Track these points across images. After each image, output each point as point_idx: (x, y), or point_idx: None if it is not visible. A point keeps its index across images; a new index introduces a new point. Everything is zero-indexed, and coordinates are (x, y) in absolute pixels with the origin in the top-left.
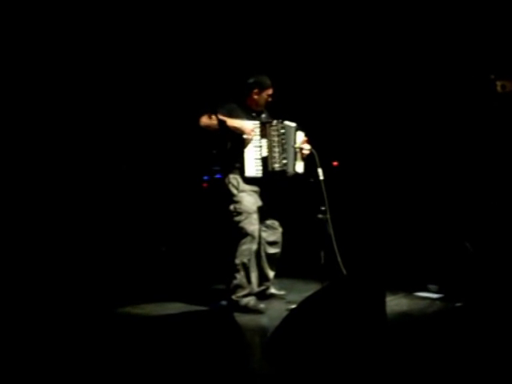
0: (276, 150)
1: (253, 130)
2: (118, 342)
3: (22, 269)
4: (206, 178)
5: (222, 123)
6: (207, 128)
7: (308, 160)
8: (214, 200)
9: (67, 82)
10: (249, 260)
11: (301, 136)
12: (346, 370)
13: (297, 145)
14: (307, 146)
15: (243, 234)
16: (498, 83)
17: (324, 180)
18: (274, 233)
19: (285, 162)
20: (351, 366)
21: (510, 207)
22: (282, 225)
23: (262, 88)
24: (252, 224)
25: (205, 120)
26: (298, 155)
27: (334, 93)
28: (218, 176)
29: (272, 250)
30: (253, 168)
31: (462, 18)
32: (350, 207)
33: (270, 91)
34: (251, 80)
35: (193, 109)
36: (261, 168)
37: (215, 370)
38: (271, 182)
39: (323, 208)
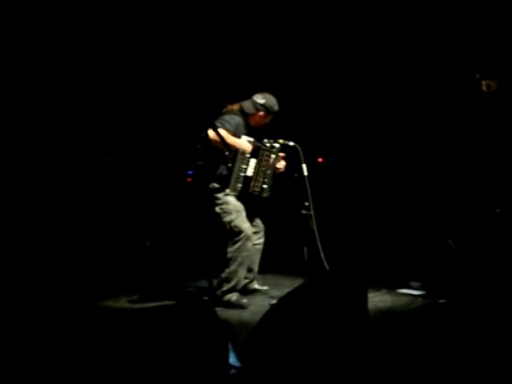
0: (261, 174)
1: (248, 150)
2: (98, 335)
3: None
4: (190, 172)
5: (223, 139)
6: (212, 141)
7: (292, 156)
8: (198, 195)
9: (54, 76)
10: (243, 256)
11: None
12: (327, 365)
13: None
14: (283, 163)
15: (237, 232)
16: (483, 82)
17: (308, 176)
18: (256, 224)
19: (265, 186)
20: (333, 360)
21: (492, 205)
22: (265, 220)
23: (269, 113)
24: (244, 221)
25: (212, 135)
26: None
27: (319, 89)
28: (189, 172)
29: (256, 241)
30: (234, 184)
31: (448, 18)
32: (333, 203)
33: (272, 116)
34: (261, 101)
35: (179, 104)
36: (241, 186)
37: (196, 364)
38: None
39: (307, 204)
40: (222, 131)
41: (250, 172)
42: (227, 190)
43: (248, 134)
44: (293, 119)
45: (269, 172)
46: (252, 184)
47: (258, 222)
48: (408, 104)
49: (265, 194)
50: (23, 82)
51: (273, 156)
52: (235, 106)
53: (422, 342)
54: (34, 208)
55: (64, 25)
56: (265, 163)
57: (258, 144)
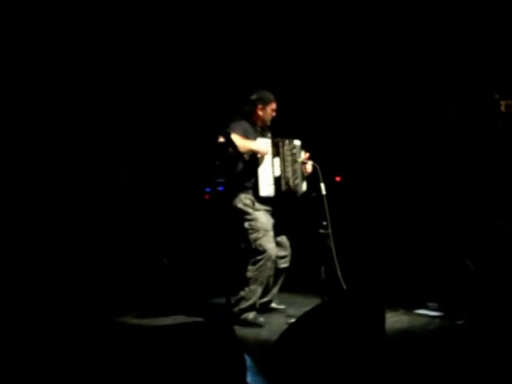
0: (289, 169)
1: (267, 151)
2: (115, 351)
3: (24, 277)
4: (208, 189)
5: (230, 144)
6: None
7: (311, 175)
8: (216, 212)
9: (72, 89)
10: (263, 276)
11: (303, 153)
12: None
13: (300, 159)
14: (310, 162)
15: (261, 251)
16: (502, 103)
17: (326, 195)
18: (284, 249)
19: (297, 181)
20: (350, 381)
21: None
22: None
23: (266, 103)
24: (269, 241)
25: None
26: (303, 174)
27: (337, 108)
28: (220, 188)
29: (282, 265)
30: (266, 188)
31: (467, 38)
32: (351, 223)
33: (273, 105)
34: (254, 96)
35: (197, 122)
36: (273, 187)
37: (213, 382)
38: (281, 201)
39: (325, 223)
40: (234, 137)
41: (277, 172)
42: (262, 194)
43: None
44: (311, 138)
45: (297, 167)
46: (283, 182)
47: (287, 245)
48: (427, 124)
49: (300, 191)
50: (41, 94)
51: (294, 151)
52: (238, 117)
53: (440, 363)
54: (52, 224)
55: (81, 33)
56: (289, 158)
57: (276, 141)
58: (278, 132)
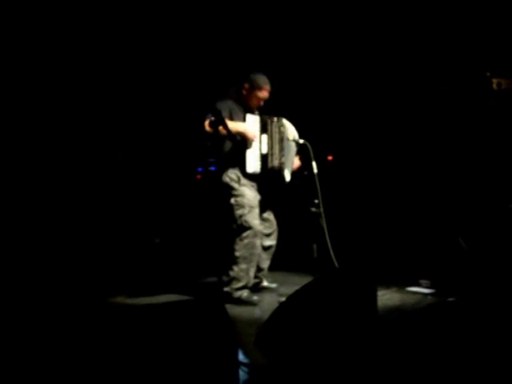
0: (276, 147)
1: (255, 135)
2: (108, 331)
3: (12, 260)
4: (199, 169)
5: (220, 124)
6: (211, 132)
7: (302, 153)
8: (208, 192)
9: (62, 75)
10: (250, 254)
11: (295, 147)
12: (336, 362)
13: (291, 138)
14: (298, 160)
15: (246, 227)
16: (494, 81)
17: (318, 173)
18: (270, 225)
19: (283, 159)
20: (342, 358)
21: (503, 205)
22: (276, 217)
23: (253, 86)
24: (254, 218)
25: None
26: (293, 162)
27: (329, 87)
28: (212, 168)
29: (268, 243)
30: (253, 164)
31: (457, 16)
32: (343, 201)
33: (261, 93)
34: (247, 76)
35: (188, 101)
36: (260, 164)
37: (205, 361)
38: (267, 179)
39: (317, 201)
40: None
41: (264, 149)
42: (248, 170)
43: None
44: (302, 117)
45: (285, 145)
46: (270, 159)
47: (273, 223)
48: (420, 103)
49: (287, 171)
50: (31, 81)
51: (282, 128)
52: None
53: (431, 340)
54: (43, 206)
55: (68, 25)
56: (276, 136)
57: (265, 118)
58: (269, 111)
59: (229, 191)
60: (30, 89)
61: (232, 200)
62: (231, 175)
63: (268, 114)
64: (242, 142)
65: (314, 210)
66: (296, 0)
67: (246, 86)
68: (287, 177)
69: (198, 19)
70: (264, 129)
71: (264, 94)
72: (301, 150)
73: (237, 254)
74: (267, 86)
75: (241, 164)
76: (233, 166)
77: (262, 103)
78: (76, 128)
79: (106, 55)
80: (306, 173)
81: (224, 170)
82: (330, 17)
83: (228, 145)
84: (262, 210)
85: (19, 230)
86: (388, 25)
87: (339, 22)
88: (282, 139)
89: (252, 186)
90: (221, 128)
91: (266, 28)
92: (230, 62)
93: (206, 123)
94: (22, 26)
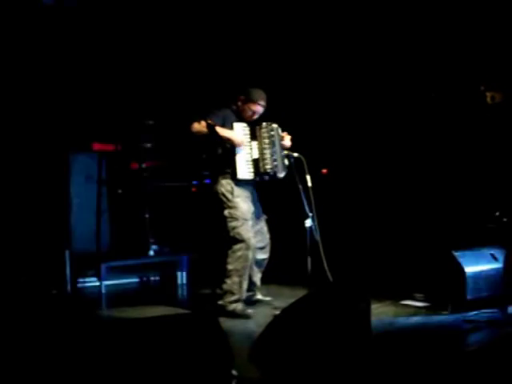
0: (267, 151)
1: (243, 141)
2: (102, 346)
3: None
4: (195, 182)
5: (212, 131)
6: (198, 134)
7: (297, 167)
8: (203, 205)
9: (64, 83)
10: (243, 267)
11: (280, 133)
12: (330, 375)
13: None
14: (287, 138)
15: (238, 239)
16: (488, 94)
17: (312, 187)
18: (263, 239)
19: (276, 163)
20: (335, 371)
21: (496, 216)
22: (269, 231)
23: (248, 99)
24: (247, 231)
25: (196, 126)
26: (283, 155)
27: (323, 100)
28: (207, 181)
29: (261, 256)
30: (245, 170)
31: (452, 31)
32: (337, 215)
33: (254, 107)
34: (244, 88)
35: (184, 114)
36: (252, 170)
37: (199, 374)
38: (261, 184)
39: (311, 215)
40: (209, 122)
41: (255, 154)
42: (239, 176)
43: None
44: (297, 131)
45: (275, 149)
46: (261, 164)
47: (266, 236)
48: (414, 116)
49: (280, 174)
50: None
51: (272, 132)
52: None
53: (425, 353)
54: (41, 211)
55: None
56: (266, 141)
57: (253, 125)
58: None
59: (222, 203)
60: (30, 91)
61: (225, 212)
62: (226, 186)
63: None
64: (233, 147)
65: (308, 223)
66: (290, 12)
67: (242, 97)
68: (286, 163)
69: (193, 30)
70: (253, 135)
71: (258, 108)
72: (295, 164)
73: (229, 267)
74: (262, 102)
75: (232, 172)
76: (225, 174)
77: (255, 117)
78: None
79: (102, 62)
80: (300, 186)
81: (216, 177)
82: (325, 30)
83: (219, 151)
84: (255, 223)
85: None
86: (383, 39)
87: (332, 37)
88: (274, 143)
89: (247, 197)
90: (202, 125)
91: (259, 43)
92: (225, 77)
93: (195, 124)
94: (23, 29)
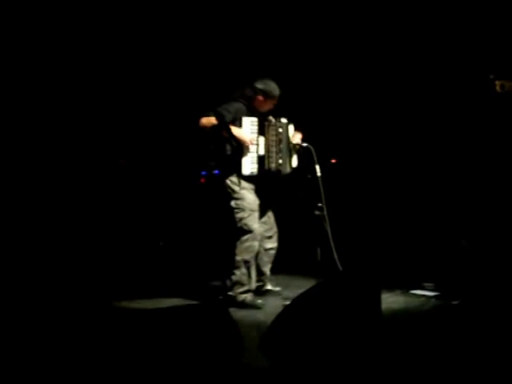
0: (273, 149)
1: (251, 140)
2: (113, 336)
3: (17, 264)
4: (203, 173)
5: (225, 127)
6: (206, 128)
7: (305, 157)
8: (212, 195)
9: (66, 79)
10: (251, 257)
11: (292, 129)
12: (340, 365)
13: (292, 140)
14: (298, 136)
15: (246, 230)
16: (497, 83)
17: (321, 177)
18: (270, 228)
19: (281, 162)
20: (346, 360)
21: (507, 206)
22: (279, 221)
23: (268, 97)
24: (254, 222)
25: (205, 121)
26: (293, 150)
27: (333, 90)
28: (215, 172)
29: (269, 245)
30: (249, 166)
31: (461, 18)
32: (347, 204)
33: (275, 101)
34: (260, 85)
35: (192, 105)
36: (257, 166)
37: (210, 364)
38: (266, 181)
39: (320, 205)
40: (218, 120)
41: (261, 151)
42: (244, 173)
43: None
44: (306, 120)
45: (282, 146)
46: (266, 161)
47: (273, 225)
48: (422, 105)
49: (285, 171)
50: (36, 85)
51: (280, 130)
52: (237, 93)
53: (435, 343)
54: (48, 211)
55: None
56: (274, 138)
57: (262, 120)
58: (274, 113)
59: (229, 194)
60: (34, 91)
61: (232, 203)
62: (232, 178)
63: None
64: (239, 146)
65: (317, 213)
66: (298, 2)
67: (260, 97)
68: (293, 164)
69: (198, 26)
70: (261, 131)
71: (276, 101)
72: (304, 154)
73: (237, 258)
74: (278, 93)
75: (239, 166)
76: (232, 169)
77: (272, 108)
78: (80, 132)
79: (110, 59)
80: (309, 176)
81: (225, 172)
82: (333, 20)
83: (228, 147)
84: (263, 212)
85: (23, 233)
86: (391, 27)
87: (342, 25)
88: (281, 141)
89: (252, 189)
90: (224, 133)
91: (268, 31)
92: (233, 67)
93: (204, 119)
94: (23, 26)
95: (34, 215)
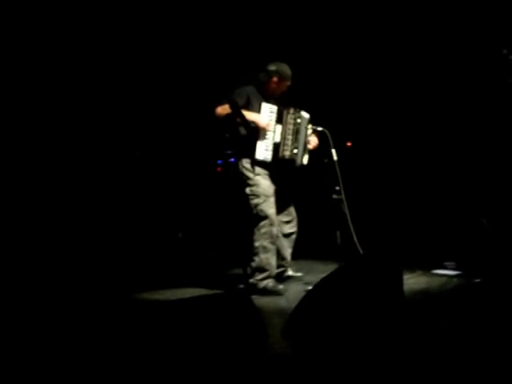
0: (289, 137)
1: (268, 125)
2: (135, 327)
3: (38, 254)
4: (219, 162)
5: (237, 112)
6: (221, 117)
7: (322, 140)
8: (229, 184)
9: (80, 72)
10: (269, 243)
11: (309, 129)
12: (363, 349)
13: (308, 140)
14: (314, 139)
15: (262, 216)
16: None
17: (338, 160)
18: (288, 213)
19: (295, 151)
20: (369, 345)
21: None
22: (297, 206)
23: (282, 78)
24: (270, 207)
25: (219, 110)
26: (306, 147)
27: (347, 74)
28: (231, 160)
29: (289, 230)
30: (263, 152)
31: None
32: (364, 187)
33: (288, 83)
34: (272, 67)
35: (207, 95)
36: (271, 153)
37: (234, 352)
38: (281, 168)
39: (338, 188)
40: (232, 107)
41: (277, 138)
42: (257, 157)
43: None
44: (321, 104)
45: (299, 137)
46: (281, 149)
47: (291, 210)
48: (438, 85)
49: (298, 161)
50: (49, 79)
51: (299, 120)
52: (250, 78)
53: (458, 323)
54: (70, 202)
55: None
56: (291, 127)
57: (281, 108)
58: (288, 100)
59: (244, 181)
60: (44, 86)
61: (247, 190)
62: (246, 165)
63: (286, 102)
64: (255, 130)
65: (335, 196)
66: None
67: (275, 79)
68: (303, 162)
69: (210, 15)
70: (279, 119)
71: (290, 82)
72: (320, 138)
73: (256, 244)
74: (291, 74)
75: (253, 150)
76: (246, 154)
77: (286, 90)
78: (96, 124)
79: (125, 51)
80: (326, 160)
81: (240, 158)
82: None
83: (243, 131)
84: (280, 197)
85: (41, 224)
86: (403, 14)
87: (358, 12)
88: (298, 131)
89: (267, 174)
90: (238, 120)
91: (282, 14)
92: (246, 52)
93: (218, 108)
94: (27, 26)
95: (52, 207)
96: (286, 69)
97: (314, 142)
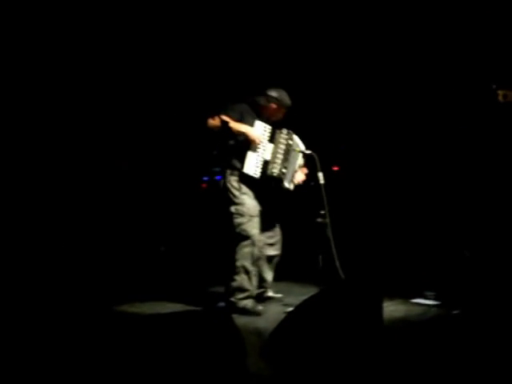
0: (280, 156)
1: (259, 138)
2: (113, 341)
3: (19, 267)
4: (205, 178)
5: (226, 124)
6: (212, 129)
7: (309, 164)
8: (213, 201)
9: (68, 81)
10: (250, 263)
11: (301, 160)
12: (342, 373)
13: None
14: (302, 175)
15: (244, 236)
16: (500, 92)
17: (324, 184)
18: (273, 235)
19: (284, 170)
20: (347, 369)
21: (508, 216)
22: (281, 228)
23: (281, 106)
24: (254, 227)
25: (211, 122)
26: (294, 174)
27: (334, 98)
28: (217, 178)
29: (272, 252)
30: (252, 167)
31: (464, 28)
32: (349, 212)
33: (285, 110)
34: (273, 94)
35: (195, 110)
36: (260, 169)
37: (213, 371)
38: (267, 188)
39: (323, 212)
40: (226, 118)
41: (267, 156)
42: (245, 171)
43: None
44: (308, 128)
45: (290, 159)
46: (270, 166)
47: (277, 231)
48: (425, 114)
49: (286, 184)
50: (38, 87)
51: (290, 142)
52: (247, 99)
53: (436, 352)
54: (50, 214)
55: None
56: (283, 147)
57: (275, 128)
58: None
59: (229, 198)
60: (37, 94)
61: (232, 208)
62: (233, 183)
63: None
64: (245, 143)
65: (320, 220)
66: (297, 10)
67: (273, 106)
68: (290, 187)
69: (202, 30)
70: (272, 138)
71: (287, 110)
72: (307, 161)
73: (237, 263)
74: (290, 103)
75: (241, 163)
76: (234, 169)
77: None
78: (82, 136)
79: (115, 61)
80: (312, 183)
81: (225, 173)
82: (333, 29)
83: (231, 143)
84: (265, 218)
85: (24, 237)
86: (392, 35)
87: (340, 35)
88: (288, 152)
89: (253, 194)
90: (229, 125)
91: (267, 40)
92: (236, 73)
93: (209, 120)
94: (24, 27)
95: (34, 219)
96: (286, 97)
97: (301, 178)
